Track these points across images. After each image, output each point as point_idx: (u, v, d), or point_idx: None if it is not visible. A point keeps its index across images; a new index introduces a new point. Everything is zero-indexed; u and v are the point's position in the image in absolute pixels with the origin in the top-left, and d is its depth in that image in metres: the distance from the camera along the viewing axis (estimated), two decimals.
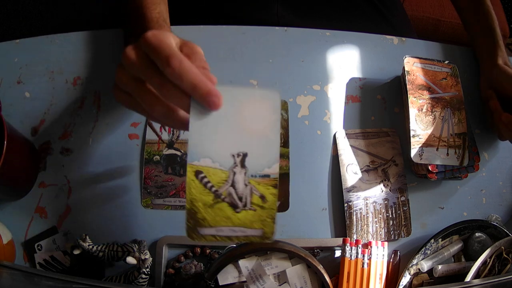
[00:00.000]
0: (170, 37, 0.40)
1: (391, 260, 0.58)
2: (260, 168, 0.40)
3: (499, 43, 0.66)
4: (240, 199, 0.40)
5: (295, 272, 0.53)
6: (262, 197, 0.40)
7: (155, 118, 0.43)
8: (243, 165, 0.40)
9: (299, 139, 0.63)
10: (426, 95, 0.62)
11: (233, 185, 0.40)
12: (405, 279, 0.55)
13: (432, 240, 0.56)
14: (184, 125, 0.39)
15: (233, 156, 0.40)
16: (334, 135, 0.64)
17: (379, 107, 0.66)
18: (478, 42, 0.69)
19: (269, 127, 0.41)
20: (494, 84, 0.64)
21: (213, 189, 0.40)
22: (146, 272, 0.52)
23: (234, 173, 0.40)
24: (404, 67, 0.63)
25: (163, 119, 0.43)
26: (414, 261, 0.56)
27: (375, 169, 0.62)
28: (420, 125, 0.60)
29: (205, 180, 0.39)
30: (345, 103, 0.66)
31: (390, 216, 0.60)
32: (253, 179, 0.40)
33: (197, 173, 0.39)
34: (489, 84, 0.65)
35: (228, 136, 0.40)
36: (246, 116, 0.40)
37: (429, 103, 0.61)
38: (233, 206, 0.40)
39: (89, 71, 0.65)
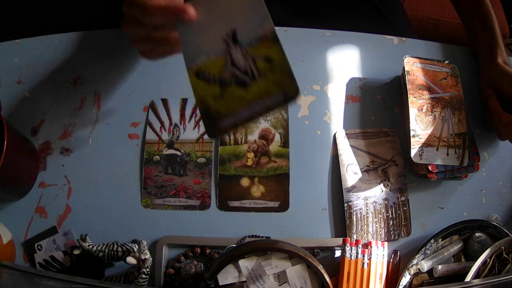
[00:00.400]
0: None
1: (391, 260, 0.58)
2: (253, 33, 0.39)
3: (498, 43, 0.66)
4: (246, 73, 0.38)
5: (295, 272, 0.53)
6: (267, 59, 0.39)
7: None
8: (235, 41, 0.39)
9: (299, 139, 0.63)
10: (426, 95, 0.62)
11: (233, 64, 0.39)
12: (405, 279, 0.55)
13: (432, 240, 0.56)
14: None
15: (224, 39, 0.39)
16: (334, 135, 0.64)
17: (379, 107, 0.66)
18: (478, 42, 0.69)
19: None
20: (493, 83, 0.64)
21: (217, 79, 0.39)
22: (146, 272, 0.52)
23: (230, 53, 0.39)
24: (404, 67, 0.63)
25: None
26: (414, 261, 0.56)
27: (375, 169, 0.62)
28: (420, 125, 0.60)
29: (207, 75, 0.39)
30: (345, 103, 0.66)
31: (390, 216, 0.60)
32: (251, 47, 0.39)
33: (197, 74, 0.39)
34: (488, 84, 0.65)
35: (213, 26, 0.40)
36: (225, 3, 0.40)
37: (429, 103, 0.61)
38: (242, 83, 0.38)
39: (89, 71, 0.65)
